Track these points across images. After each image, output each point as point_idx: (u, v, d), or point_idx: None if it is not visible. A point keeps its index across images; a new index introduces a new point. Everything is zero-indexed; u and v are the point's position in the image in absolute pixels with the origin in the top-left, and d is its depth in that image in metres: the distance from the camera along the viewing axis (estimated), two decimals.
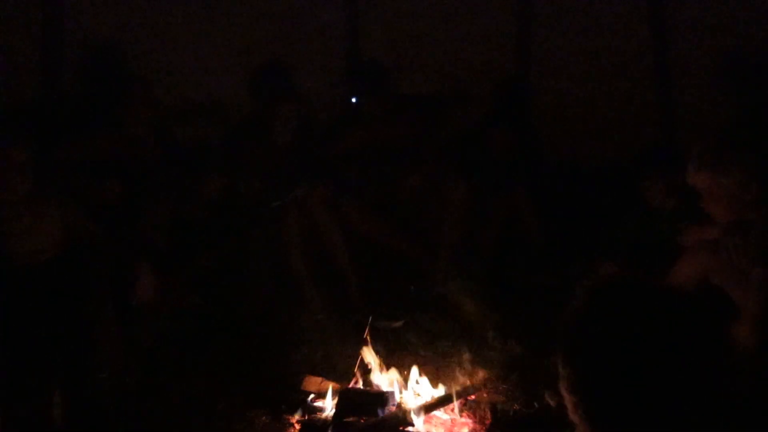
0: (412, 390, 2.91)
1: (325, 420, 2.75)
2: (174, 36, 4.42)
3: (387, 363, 3.03)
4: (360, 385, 2.94)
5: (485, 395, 2.93)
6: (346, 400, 2.79)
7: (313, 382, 3.00)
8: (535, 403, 2.89)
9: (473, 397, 2.91)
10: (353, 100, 4.37)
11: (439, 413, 2.81)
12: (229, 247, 3.84)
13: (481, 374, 3.06)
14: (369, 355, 2.98)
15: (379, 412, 2.73)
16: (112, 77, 4.00)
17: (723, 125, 4.36)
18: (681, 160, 2.71)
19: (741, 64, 4.47)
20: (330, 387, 2.92)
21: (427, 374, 2.99)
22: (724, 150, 2.56)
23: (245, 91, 4.44)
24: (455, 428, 2.76)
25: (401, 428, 2.68)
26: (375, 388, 2.91)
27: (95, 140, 3.72)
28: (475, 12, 4.69)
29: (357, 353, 3.02)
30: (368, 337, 3.02)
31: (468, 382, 2.99)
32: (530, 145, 4.56)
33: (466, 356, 3.13)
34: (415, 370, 2.98)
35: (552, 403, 2.86)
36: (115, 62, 4.20)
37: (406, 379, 2.94)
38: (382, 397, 2.80)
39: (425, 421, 2.74)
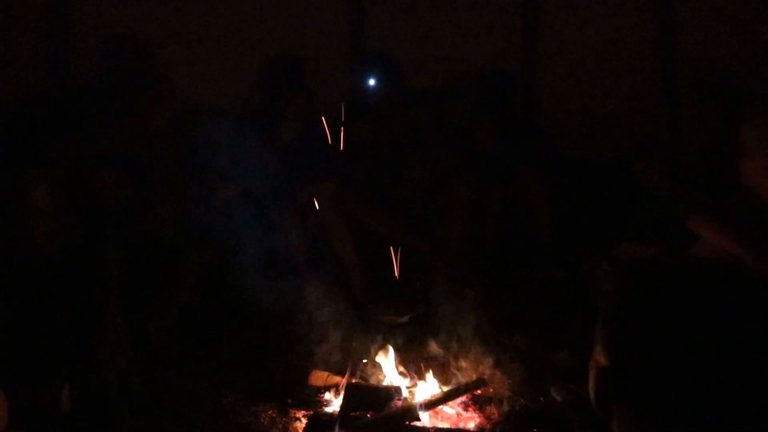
0: (418, 385, 2.91)
1: (332, 414, 2.76)
2: (174, 33, 4.40)
3: (393, 358, 3.04)
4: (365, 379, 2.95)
5: (491, 390, 2.93)
6: (353, 395, 2.79)
7: (319, 377, 3.01)
8: (541, 398, 2.90)
9: (479, 391, 2.91)
10: (371, 82, 4.33)
11: (445, 408, 2.82)
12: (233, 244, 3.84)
13: (487, 369, 3.07)
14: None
15: (386, 406, 2.74)
16: (139, 71, 3.98)
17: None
18: (674, 144, 2.63)
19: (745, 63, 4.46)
20: (337, 382, 2.93)
21: (433, 369, 3.00)
22: None
23: (250, 88, 4.42)
24: (461, 423, 2.77)
25: (407, 423, 2.68)
26: (381, 383, 2.92)
27: (118, 130, 3.70)
28: (482, 6, 4.68)
29: (363, 347, 3.04)
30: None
31: (474, 377, 2.99)
32: (533, 136, 4.54)
33: (473, 351, 3.14)
34: (421, 365, 2.99)
35: (558, 398, 2.88)
36: (142, 56, 4.17)
37: (412, 374, 2.94)
38: (389, 392, 2.81)
39: (431, 416, 2.75)
